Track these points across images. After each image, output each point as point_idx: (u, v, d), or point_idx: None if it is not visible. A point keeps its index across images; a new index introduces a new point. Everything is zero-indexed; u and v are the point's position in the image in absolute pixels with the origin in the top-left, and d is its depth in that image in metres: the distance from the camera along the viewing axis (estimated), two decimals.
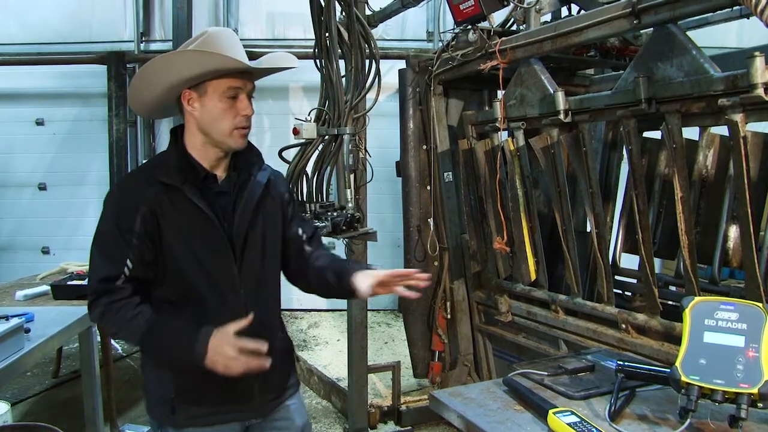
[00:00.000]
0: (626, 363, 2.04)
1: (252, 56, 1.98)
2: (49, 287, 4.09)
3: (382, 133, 5.63)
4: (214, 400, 1.99)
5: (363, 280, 2.03)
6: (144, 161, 7.55)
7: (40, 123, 7.62)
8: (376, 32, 4.33)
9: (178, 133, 1.99)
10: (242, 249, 1.97)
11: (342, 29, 3.57)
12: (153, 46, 7.67)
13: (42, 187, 7.69)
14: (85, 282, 4.11)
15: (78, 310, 3.04)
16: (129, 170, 7.48)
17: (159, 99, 1.94)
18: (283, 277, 2.21)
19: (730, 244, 3.26)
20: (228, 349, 1.80)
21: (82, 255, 6.09)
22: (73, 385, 5.00)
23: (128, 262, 1.87)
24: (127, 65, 7.40)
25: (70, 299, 3.94)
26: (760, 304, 1.70)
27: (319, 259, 2.19)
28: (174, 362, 1.93)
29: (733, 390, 1.61)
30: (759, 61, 2.13)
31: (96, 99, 7.46)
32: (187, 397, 1.97)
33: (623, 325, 2.94)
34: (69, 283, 4.19)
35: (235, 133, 1.91)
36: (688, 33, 2.58)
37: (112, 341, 6.17)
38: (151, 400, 2.06)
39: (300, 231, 2.19)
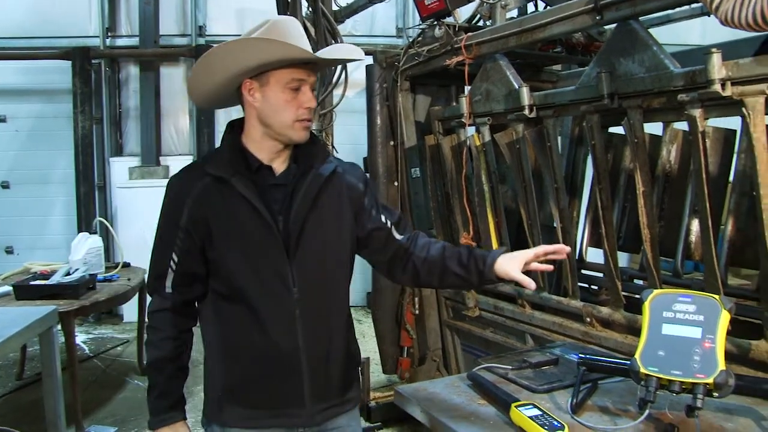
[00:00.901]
0: (588, 356, 2.07)
1: None
2: (11, 287, 4.03)
3: (353, 129, 5.63)
4: (262, 403, 1.90)
5: (511, 266, 1.89)
6: (110, 159, 7.48)
7: (2, 120, 7.49)
8: (345, 28, 4.33)
9: (234, 125, 1.92)
10: (297, 244, 1.85)
11: (308, 25, 3.55)
12: (119, 42, 7.58)
13: (5, 186, 7.55)
14: (48, 282, 4.10)
15: (39, 309, 2.98)
16: (95, 168, 7.39)
17: (219, 88, 1.85)
18: None
19: (693, 237, 3.31)
20: None
21: (47, 254, 6.11)
22: (38, 386, 4.83)
23: (173, 256, 1.85)
24: (93, 61, 7.30)
25: (32, 299, 3.89)
26: (717, 296, 1.72)
27: (428, 248, 2.03)
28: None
29: (690, 380, 1.63)
30: (716, 57, 2.16)
31: (61, 95, 7.35)
32: (234, 396, 1.90)
33: (588, 319, 2.97)
34: (32, 283, 4.14)
35: (297, 125, 1.82)
36: (652, 30, 2.61)
37: (79, 342, 6.11)
38: (206, 399, 1.99)
39: (383, 218, 2.03)
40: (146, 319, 1.96)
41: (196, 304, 1.96)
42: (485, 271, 1.93)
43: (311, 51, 1.81)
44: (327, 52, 1.96)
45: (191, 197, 1.83)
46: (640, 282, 3.73)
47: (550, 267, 1.97)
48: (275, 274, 1.84)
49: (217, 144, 2.00)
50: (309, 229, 1.87)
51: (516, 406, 1.81)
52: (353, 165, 2.07)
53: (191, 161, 1.99)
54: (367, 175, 2.09)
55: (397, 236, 2.04)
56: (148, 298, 1.99)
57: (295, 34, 1.81)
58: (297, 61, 1.79)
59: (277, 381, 1.88)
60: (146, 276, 2.00)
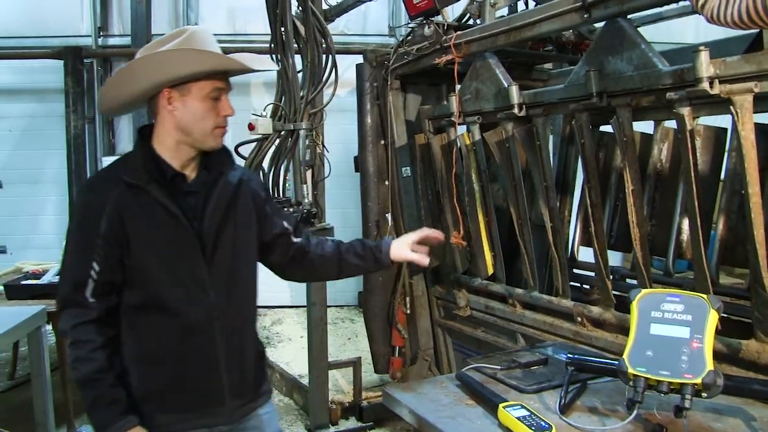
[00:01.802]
0: (576, 356, 2.06)
1: None
2: (1, 287, 4.01)
3: (345, 128, 5.62)
4: (183, 407, 1.92)
5: (402, 248, 2.19)
6: (103, 158, 7.45)
7: None
8: (337, 27, 4.31)
9: (145, 132, 1.93)
10: (213, 249, 1.92)
11: (298, 24, 3.53)
12: (111, 41, 7.56)
13: None
14: (39, 281, 4.07)
15: (27, 309, 2.96)
16: (87, 167, 7.36)
17: (137, 97, 1.89)
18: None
19: (684, 236, 3.30)
20: None
21: (39, 254, 6.08)
22: (30, 387, 4.87)
23: (94, 264, 1.81)
24: (85, 60, 7.26)
25: (23, 299, 3.86)
26: (705, 296, 1.72)
27: (322, 246, 2.22)
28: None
29: (678, 381, 1.63)
30: (704, 56, 2.15)
31: (53, 95, 7.29)
32: (154, 403, 1.89)
33: (579, 318, 2.96)
34: (23, 282, 4.11)
35: (216, 132, 1.89)
36: (645, 29, 2.61)
37: None
38: None
39: (285, 224, 2.17)
40: (67, 337, 1.85)
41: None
42: (381, 257, 2.19)
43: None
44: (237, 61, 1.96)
45: (109, 205, 1.82)
46: (633, 281, 3.72)
47: (425, 262, 2.21)
48: (193, 279, 1.89)
49: None
50: (223, 234, 1.94)
51: (504, 407, 1.81)
52: (253, 173, 2.22)
53: (102, 168, 2.06)
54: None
55: (294, 240, 2.19)
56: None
57: (213, 43, 1.86)
58: (220, 72, 1.85)
59: (198, 383, 1.92)
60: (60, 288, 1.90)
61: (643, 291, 1.82)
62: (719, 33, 2.81)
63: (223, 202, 1.95)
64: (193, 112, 1.85)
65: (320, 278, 2.49)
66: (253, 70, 1.89)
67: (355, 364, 4.27)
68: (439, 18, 3.42)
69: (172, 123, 1.87)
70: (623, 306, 2.85)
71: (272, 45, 3.57)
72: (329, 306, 4.32)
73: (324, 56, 3.53)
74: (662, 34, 2.85)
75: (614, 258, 3.95)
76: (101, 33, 7.51)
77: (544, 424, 1.70)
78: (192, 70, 1.79)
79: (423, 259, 2.17)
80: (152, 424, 1.87)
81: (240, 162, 3.45)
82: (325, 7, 3.83)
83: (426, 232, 2.22)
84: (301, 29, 3.53)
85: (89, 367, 1.80)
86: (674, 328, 1.71)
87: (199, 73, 1.81)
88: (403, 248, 2.18)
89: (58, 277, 4.04)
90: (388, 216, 4.06)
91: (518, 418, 1.74)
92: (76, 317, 1.82)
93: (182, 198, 1.89)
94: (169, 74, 1.79)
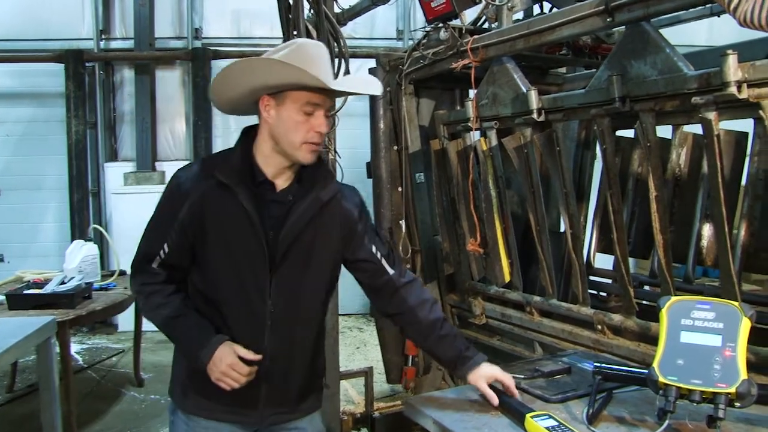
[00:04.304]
0: (603, 365, 2.04)
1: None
2: (3, 297, 3.94)
3: (352, 134, 5.58)
4: (219, 397, 1.96)
5: (480, 380, 2.05)
6: (105, 164, 7.39)
7: None
8: (345, 30, 4.25)
9: (249, 133, 1.99)
10: (281, 260, 1.94)
11: (311, 27, 3.49)
12: (113, 44, 7.52)
13: None
14: (42, 291, 4.02)
15: (36, 320, 2.91)
16: (89, 174, 7.33)
17: (239, 99, 1.94)
18: None
19: (704, 242, 3.27)
20: (223, 365, 1.87)
21: (39, 263, 6.03)
22: (30, 399, 4.79)
23: (165, 246, 1.93)
24: (86, 64, 7.24)
25: (25, 309, 3.80)
26: (736, 303, 1.72)
27: (422, 310, 2.12)
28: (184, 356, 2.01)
29: (711, 390, 1.61)
30: (732, 59, 2.12)
31: (53, 99, 7.27)
32: (196, 383, 1.99)
33: (599, 326, 2.92)
34: (25, 292, 4.06)
35: (304, 147, 1.89)
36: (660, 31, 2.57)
37: (72, 352, 6.01)
38: (173, 379, 2.11)
39: (374, 248, 2.10)
40: (137, 294, 2.03)
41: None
42: (459, 368, 2.10)
43: (331, 77, 1.88)
44: (343, 83, 2.03)
45: (195, 194, 1.91)
46: (647, 288, 3.68)
47: (495, 402, 2.02)
48: (255, 284, 1.94)
49: (216, 148, 2.04)
50: (296, 248, 1.95)
51: (531, 417, 1.80)
52: (352, 190, 2.15)
53: (201, 159, 2.11)
54: (363, 200, 2.16)
55: (389, 270, 2.12)
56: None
57: (315, 58, 1.86)
58: (311, 87, 1.85)
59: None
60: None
61: (673, 298, 1.81)
62: (731, 36, 2.78)
63: (305, 218, 1.95)
64: (285, 122, 1.88)
65: (407, 335, 2.43)
66: (328, 87, 1.84)
67: (367, 373, 4.21)
68: (455, 22, 3.39)
69: (267, 130, 1.92)
70: (644, 313, 2.83)
71: None
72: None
73: (337, 60, 3.49)
74: (673, 36, 2.82)
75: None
76: (103, 36, 7.47)
77: None
78: (277, 80, 1.83)
79: (494, 398, 2.00)
80: (195, 403, 2.01)
81: None
82: (337, 10, 3.78)
83: (510, 383, 2.05)
84: (314, 33, 3.49)
85: (171, 306, 1.96)
86: (705, 336, 1.69)
87: (285, 84, 1.83)
88: (482, 379, 2.04)
89: (62, 286, 4.08)
90: (402, 223, 4.02)
91: (547, 428, 1.74)
92: (145, 279, 1.99)
93: (266, 206, 1.93)
94: (257, 81, 1.85)
